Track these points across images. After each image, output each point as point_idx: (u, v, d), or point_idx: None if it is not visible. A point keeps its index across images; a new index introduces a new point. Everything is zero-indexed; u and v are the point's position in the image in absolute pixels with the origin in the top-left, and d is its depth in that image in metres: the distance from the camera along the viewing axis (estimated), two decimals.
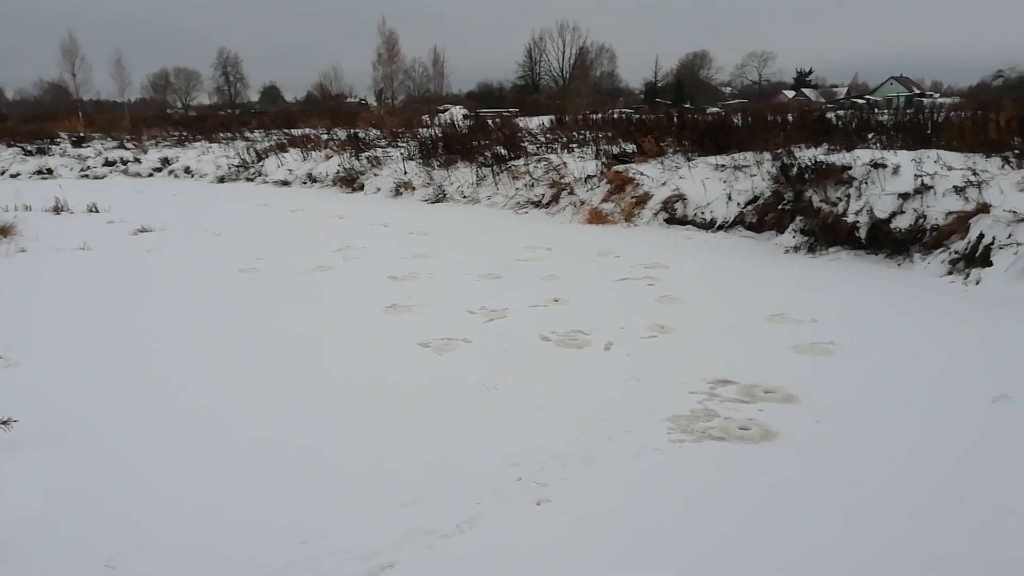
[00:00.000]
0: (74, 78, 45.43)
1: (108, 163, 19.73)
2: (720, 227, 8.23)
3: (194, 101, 68.04)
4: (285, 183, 15.49)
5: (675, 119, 11.83)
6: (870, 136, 9.42)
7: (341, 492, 2.78)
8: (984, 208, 6.07)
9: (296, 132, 20.30)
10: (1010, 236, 5.65)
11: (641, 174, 9.49)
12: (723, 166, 8.96)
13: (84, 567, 2.35)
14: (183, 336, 4.73)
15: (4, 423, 3.10)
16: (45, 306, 5.51)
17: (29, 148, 21.14)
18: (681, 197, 8.81)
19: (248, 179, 16.66)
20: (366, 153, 14.83)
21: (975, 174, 6.62)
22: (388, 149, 15.04)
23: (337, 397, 3.70)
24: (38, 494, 2.78)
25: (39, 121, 29.95)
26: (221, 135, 22.65)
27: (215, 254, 7.62)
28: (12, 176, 18.58)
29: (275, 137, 19.86)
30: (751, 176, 8.48)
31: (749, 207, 8.18)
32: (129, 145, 21.99)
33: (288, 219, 10.44)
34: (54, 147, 21.73)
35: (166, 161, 19.39)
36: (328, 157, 15.70)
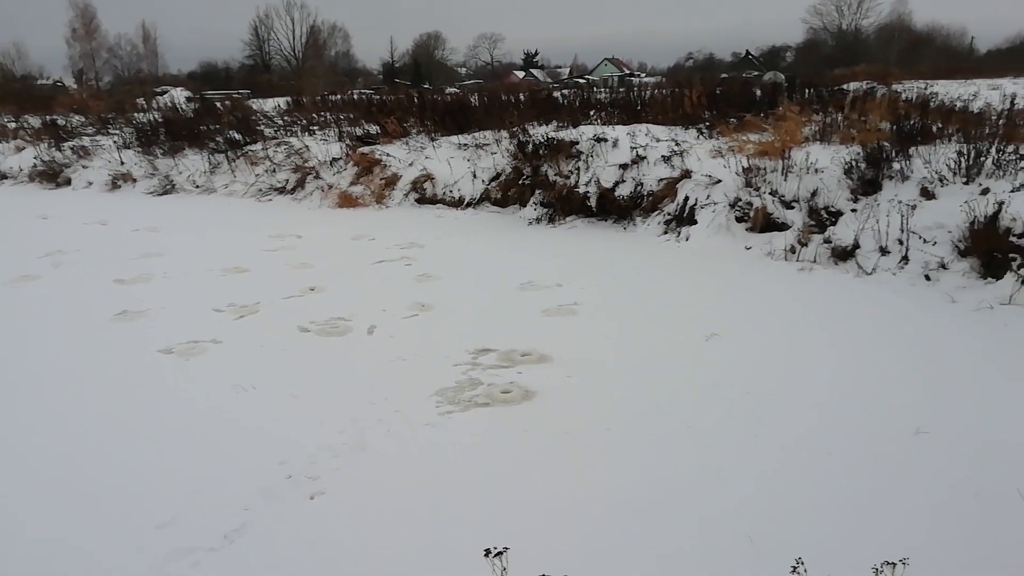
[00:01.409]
0: None
1: None
2: (468, 204, 8.52)
3: None
4: None
5: (416, 100, 11.93)
6: (592, 113, 10.34)
7: (85, 521, 2.45)
8: (687, 174, 7.00)
9: None
10: (708, 197, 6.59)
11: (388, 155, 9.46)
12: (466, 145, 9.26)
13: None
14: None
15: None
16: None
17: None
18: (429, 177, 8.95)
19: None
20: (70, 142, 12.92)
21: (677, 144, 7.59)
22: (97, 137, 13.25)
23: (65, 418, 3.22)
24: None
25: None
26: None
27: None
28: None
29: None
30: (492, 154, 8.87)
31: (493, 183, 8.56)
32: None
33: None
34: None
35: None
36: (20, 148, 13.43)
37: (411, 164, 9.24)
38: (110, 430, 3.15)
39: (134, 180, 11.30)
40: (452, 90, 18.63)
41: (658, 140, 7.82)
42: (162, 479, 2.74)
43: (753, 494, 2.56)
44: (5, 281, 5.72)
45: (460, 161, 9.00)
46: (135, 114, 14.97)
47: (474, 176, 8.71)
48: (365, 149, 9.75)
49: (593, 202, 7.46)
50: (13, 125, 15.11)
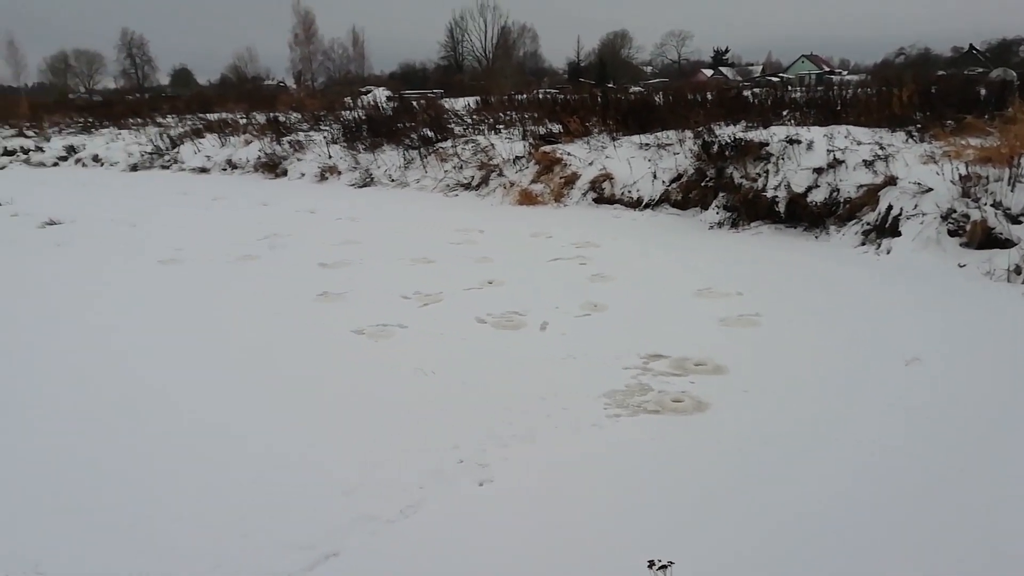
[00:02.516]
0: None
1: (7, 152, 18.51)
2: (647, 205, 8.40)
3: (98, 85, 63.88)
4: (204, 170, 14.91)
5: (599, 99, 11.94)
6: (785, 113, 9.75)
7: (277, 483, 2.74)
8: (891, 180, 6.40)
9: (212, 117, 19.49)
10: (916, 207, 5.98)
11: (568, 154, 9.57)
12: (647, 145, 9.13)
13: None
14: (110, 332, 4.51)
15: None
16: None
17: None
18: (608, 176, 8.93)
19: (163, 166, 15.94)
20: (288, 137, 14.41)
21: (882, 148, 6.96)
22: (311, 133, 14.64)
23: (270, 387, 3.62)
24: None
25: None
26: (131, 121, 21.51)
27: (131, 246, 7.28)
28: None
29: (190, 122, 19.02)
30: (674, 154, 8.67)
31: (674, 185, 8.37)
32: (29, 133, 20.64)
33: (209, 207, 10.07)
34: None
35: (72, 149, 18.31)
36: (248, 142, 15.18)
37: (591, 163, 9.27)
38: (306, 400, 3.48)
39: (339, 173, 12.37)
40: (636, 89, 18.41)
41: (859, 143, 7.22)
42: (348, 449, 2.98)
43: (954, 538, 2.30)
44: (232, 259, 6.52)
45: (640, 161, 8.89)
46: (342, 112, 16.34)
47: (654, 177, 8.57)
48: (547, 148, 9.93)
49: (782, 207, 7.05)
50: (243, 121, 17.10)
